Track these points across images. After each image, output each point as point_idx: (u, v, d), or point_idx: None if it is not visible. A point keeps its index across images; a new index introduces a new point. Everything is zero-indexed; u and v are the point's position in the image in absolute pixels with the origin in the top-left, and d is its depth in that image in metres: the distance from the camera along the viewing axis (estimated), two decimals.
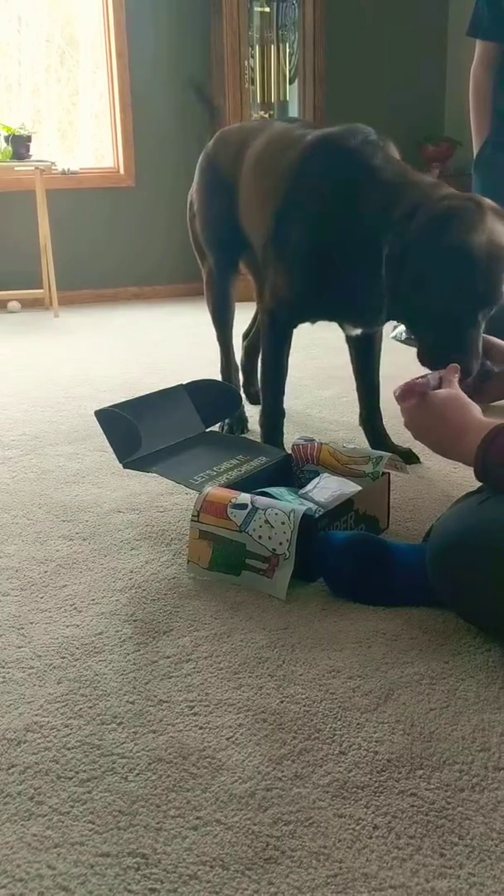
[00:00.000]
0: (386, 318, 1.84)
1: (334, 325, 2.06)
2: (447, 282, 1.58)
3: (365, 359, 2.17)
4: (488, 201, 1.62)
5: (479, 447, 1.21)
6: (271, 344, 2.04)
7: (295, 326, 2.05)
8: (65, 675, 1.23)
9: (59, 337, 4.21)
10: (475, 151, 2.54)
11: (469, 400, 1.33)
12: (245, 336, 2.74)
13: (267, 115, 5.20)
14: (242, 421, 2.41)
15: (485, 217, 1.59)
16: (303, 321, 2.05)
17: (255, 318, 2.72)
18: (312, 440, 1.76)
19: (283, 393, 2.09)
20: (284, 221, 1.90)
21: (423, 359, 1.65)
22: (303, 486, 1.73)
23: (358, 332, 2.06)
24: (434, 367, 1.55)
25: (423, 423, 1.34)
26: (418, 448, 2.03)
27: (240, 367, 2.69)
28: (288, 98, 5.27)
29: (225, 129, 2.43)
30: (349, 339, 2.17)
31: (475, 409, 1.31)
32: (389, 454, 1.73)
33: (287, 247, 1.90)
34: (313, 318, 2.03)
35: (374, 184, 1.74)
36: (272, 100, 5.24)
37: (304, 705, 1.15)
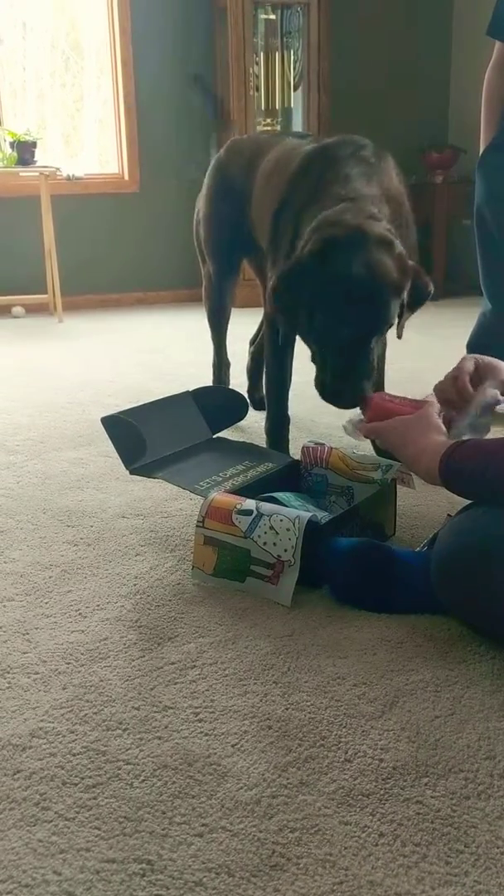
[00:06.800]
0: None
1: None
2: (330, 311, 1.65)
3: None
4: (377, 230, 1.65)
5: (441, 458, 1.30)
6: (274, 348, 2.05)
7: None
8: (70, 681, 1.23)
9: (63, 342, 4.21)
10: (481, 153, 2.52)
11: (438, 423, 1.41)
12: (252, 342, 2.75)
13: (270, 122, 5.20)
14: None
15: (367, 246, 1.62)
16: None
17: (261, 325, 2.72)
18: (323, 444, 1.76)
19: (287, 398, 2.10)
20: (277, 229, 1.95)
21: (316, 384, 1.72)
22: (310, 487, 1.73)
23: None
24: (324, 395, 1.70)
25: (390, 442, 1.48)
26: None
27: (246, 373, 2.70)
28: (292, 105, 5.28)
29: (237, 139, 2.47)
30: None
31: (439, 433, 1.39)
32: (399, 463, 1.72)
33: (279, 253, 1.93)
34: None
35: (322, 200, 1.78)
36: (276, 107, 5.25)
37: (310, 712, 1.15)
